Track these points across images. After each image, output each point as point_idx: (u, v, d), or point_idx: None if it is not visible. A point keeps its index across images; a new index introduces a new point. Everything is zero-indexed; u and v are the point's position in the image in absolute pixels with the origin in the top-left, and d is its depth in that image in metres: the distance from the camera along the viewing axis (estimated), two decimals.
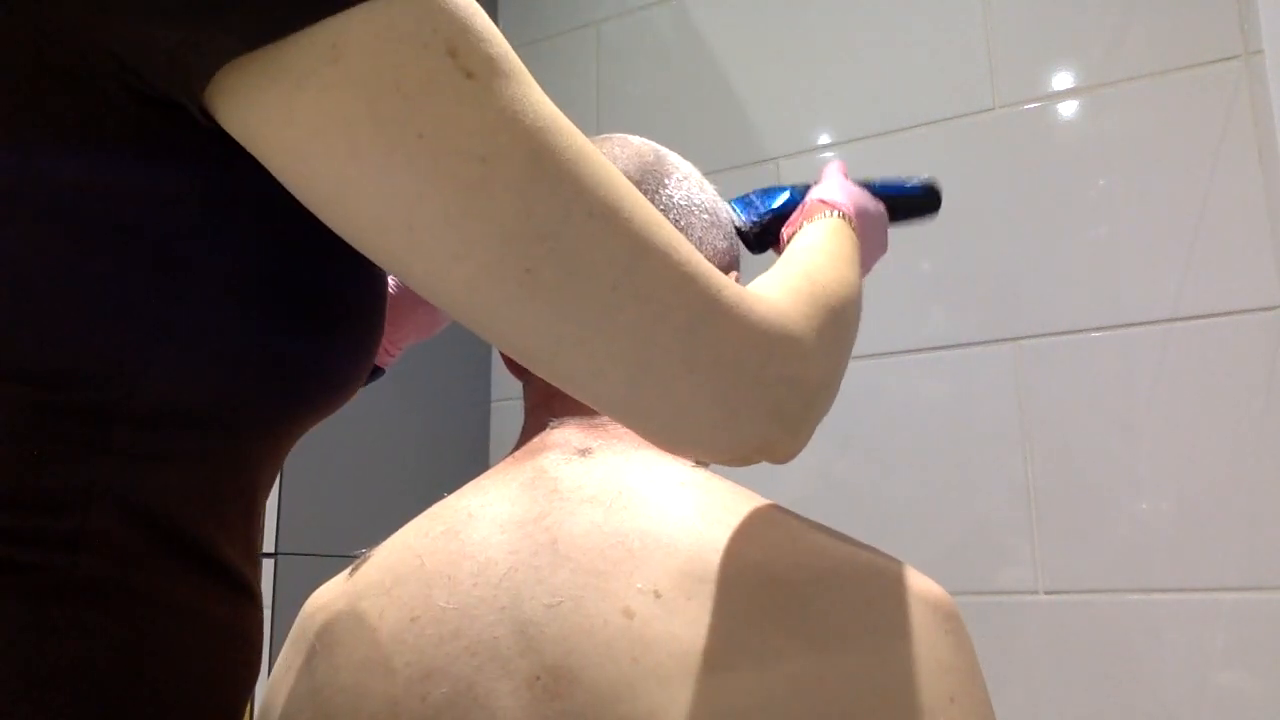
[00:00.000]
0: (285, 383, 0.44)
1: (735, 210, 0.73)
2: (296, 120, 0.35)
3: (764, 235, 0.72)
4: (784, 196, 0.73)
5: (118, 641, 0.38)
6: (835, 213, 0.66)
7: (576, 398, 0.43)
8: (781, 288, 0.49)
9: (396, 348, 0.76)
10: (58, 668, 0.36)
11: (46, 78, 0.36)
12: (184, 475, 0.41)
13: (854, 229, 0.65)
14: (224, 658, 0.43)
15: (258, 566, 0.47)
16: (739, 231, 0.71)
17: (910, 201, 0.81)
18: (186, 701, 0.41)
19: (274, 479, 0.50)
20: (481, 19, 0.37)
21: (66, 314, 0.37)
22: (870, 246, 0.73)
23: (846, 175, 0.76)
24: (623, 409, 0.43)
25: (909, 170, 1.41)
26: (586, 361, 0.40)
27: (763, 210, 0.73)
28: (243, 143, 0.37)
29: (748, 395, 0.44)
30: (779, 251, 0.68)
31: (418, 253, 0.37)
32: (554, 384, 0.42)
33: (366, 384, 0.75)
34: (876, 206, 0.75)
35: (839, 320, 0.52)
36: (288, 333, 0.42)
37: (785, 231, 0.68)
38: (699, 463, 0.59)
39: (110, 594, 0.38)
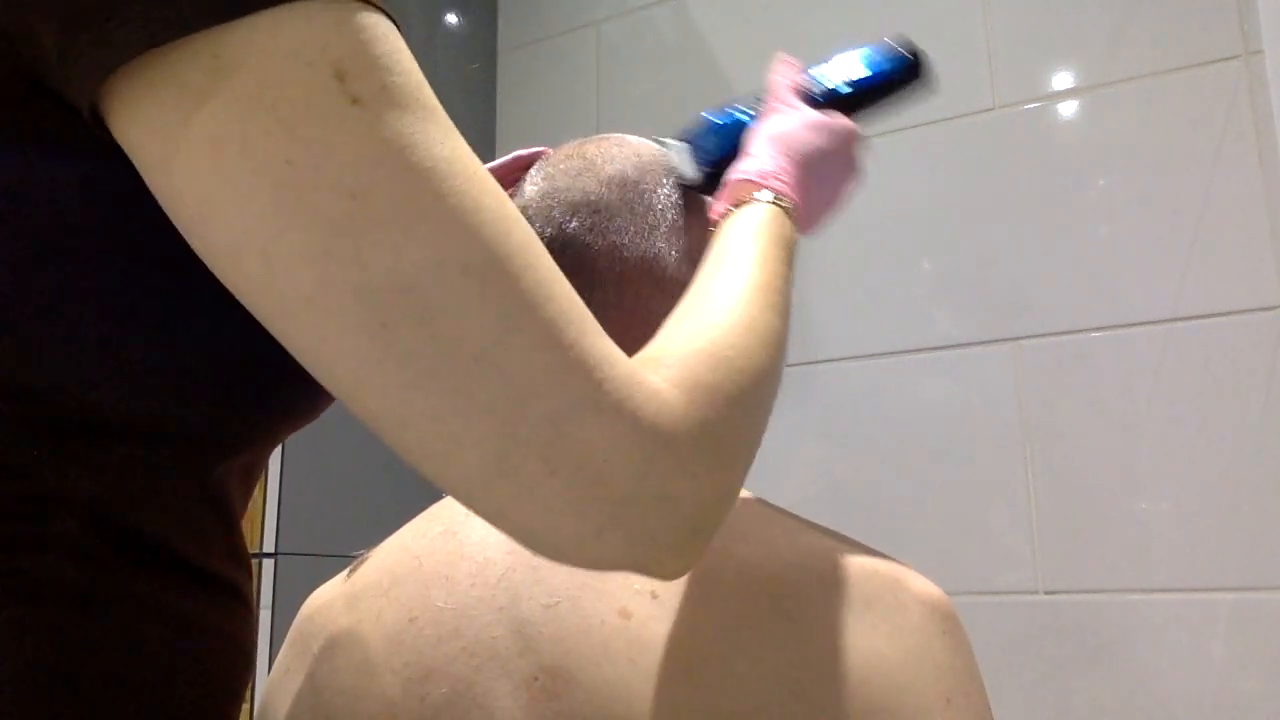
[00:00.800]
0: (254, 393, 0.43)
1: (685, 158, 0.63)
2: (168, 132, 0.33)
3: (713, 182, 0.61)
4: (733, 134, 0.63)
5: (87, 644, 0.38)
6: (768, 195, 0.55)
7: (428, 478, 0.38)
8: (680, 377, 0.41)
9: None
10: (26, 671, 0.36)
11: None
12: (150, 484, 0.40)
13: (790, 208, 0.55)
14: (207, 660, 0.43)
15: (243, 566, 0.46)
16: (686, 188, 0.62)
17: (887, 85, 0.68)
18: (168, 701, 0.40)
19: (255, 482, 0.49)
20: (388, 44, 0.35)
21: (16, 323, 0.36)
22: (826, 189, 0.62)
23: (797, 83, 0.66)
24: (476, 502, 0.38)
25: (921, 167, 1.38)
26: (437, 440, 0.35)
27: (712, 156, 0.62)
28: (129, 155, 0.35)
29: (613, 513, 0.37)
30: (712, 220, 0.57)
31: (269, 287, 0.34)
32: (403, 458, 0.38)
33: None
34: (832, 137, 0.62)
35: (745, 411, 0.43)
36: (255, 341, 0.41)
37: (714, 208, 0.57)
38: None
39: (78, 598, 0.38)
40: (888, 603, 0.50)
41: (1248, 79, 1.29)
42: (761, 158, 0.58)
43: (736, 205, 0.55)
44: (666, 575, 0.42)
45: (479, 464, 0.36)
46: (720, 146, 0.63)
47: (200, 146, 0.32)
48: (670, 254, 0.60)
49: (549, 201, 0.60)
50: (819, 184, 0.61)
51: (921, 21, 1.52)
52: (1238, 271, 1.27)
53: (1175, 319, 1.29)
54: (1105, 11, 1.39)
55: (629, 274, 0.59)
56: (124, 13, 0.32)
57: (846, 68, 0.68)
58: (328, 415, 0.76)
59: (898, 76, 0.68)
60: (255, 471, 0.49)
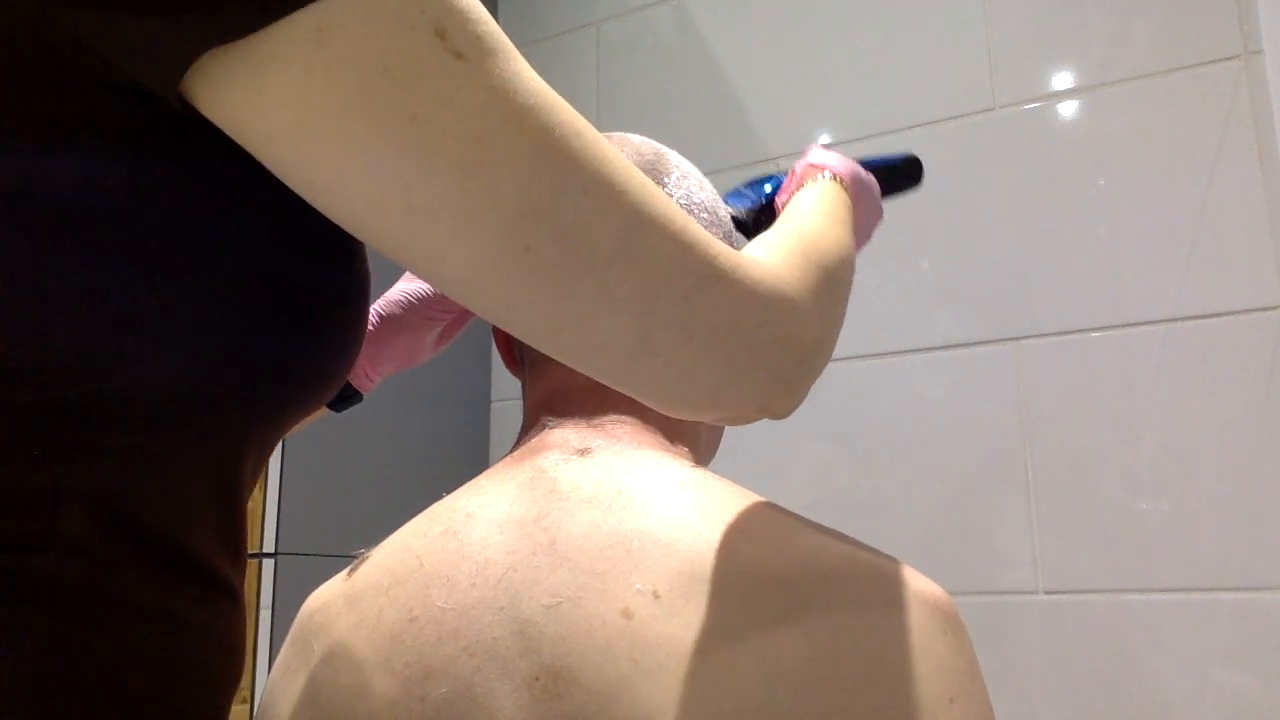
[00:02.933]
0: (262, 379, 0.43)
1: (730, 204, 0.73)
2: (285, 107, 0.34)
3: (760, 219, 0.73)
4: (770, 184, 0.76)
5: (89, 643, 0.37)
6: (826, 173, 0.67)
7: (580, 370, 0.44)
8: (776, 250, 0.50)
9: (377, 374, 0.75)
10: (26, 669, 0.36)
11: (15, 72, 0.35)
12: (157, 475, 0.40)
13: (846, 189, 0.67)
14: (202, 659, 0.43)
15: (240, 565, 0.46)
16: (737, 222, 0.72)
17: (893, 172, 0.87)
18: (162, 702, 0.40)
19: (258, 476, 0.49)
20: (472, 1, 0.37)
21: (29, 309, 0.36)
22: (864, 210, 0.74)
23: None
24: (625, 379, 0.44)
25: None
26: (588, 336, 0.41)
27: (755, 197, 0.75)
28: (229, 132, 0.36)
29: (746, 358, 0.45)
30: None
31: (416, 236, 0.37)
32: (556, 358, 0.43)
33: (342, 409, 0.75)
34: (866, 174, 0.77)
35: (832, 279, 0.53)
36: (264, 328, 0.42)
37: (780, 200, 0.69)
38: (697, 463, 0.59)
39: (81, 596, 0.37)
40: (890, 602, 0.50)
41: (1248, 79, 1.29)
42: (821, 156, 0.70)
43: (807, 180, 0.67)
44: (784, 411, 0.50)
45: (625, 349, 0.41)
46: (748, 200, 0.76)
47: (325, 117, 0.34)
48: None
49: None
50: (858, 203, 0.71)
51: (921, 21, 1.52)
52: (1238, 271, 1.27)
53: (1175, 319, 1.29)
54: (1105, 11, 1.39)
55: None
56: None
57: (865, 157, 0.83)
58: (328, 415, 0.76)
59: (901, 167, 0.90)
60: (260, 465, 0.49)
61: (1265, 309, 1.25)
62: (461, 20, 0.36)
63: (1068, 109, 1.40)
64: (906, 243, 1.47)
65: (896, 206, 1.50)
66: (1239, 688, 1.18)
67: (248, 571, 1.27)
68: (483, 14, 0.37)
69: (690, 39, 1.72)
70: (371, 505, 1.47)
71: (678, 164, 0.65)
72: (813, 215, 0.59)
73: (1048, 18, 1.43)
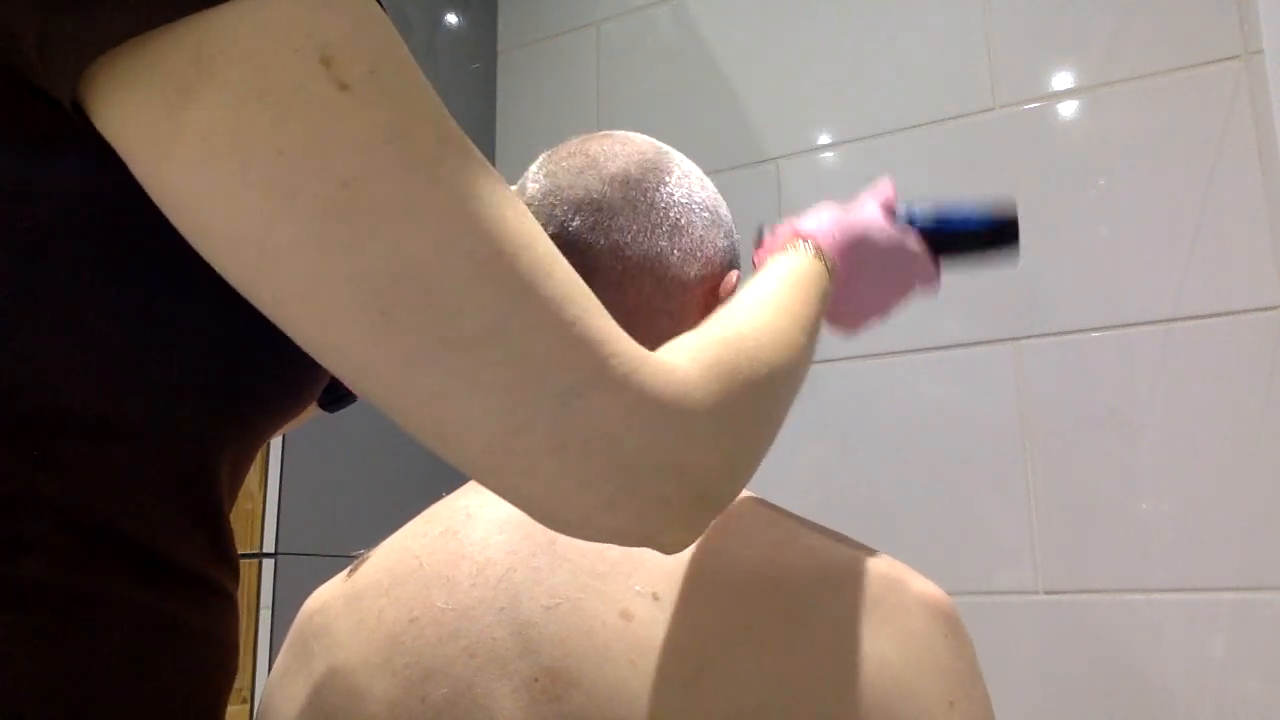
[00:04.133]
0: (224, 396, 0.42)
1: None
2: (154, 123, 0.32)
3: None
4: None
5: (65, 648, 0.37)
6: (807, 245, 0.58)
7: (442, 458, 0.39)
8: (696, 355, 0.42)
9: None
10: (4, 673, 0.35)
11: None
12: (127, 484, 0.39)
13: (830, 266, 0.58)
14: (189, 661, 0.42)
15: (230, 566, 0.45)
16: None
17: (970, 242, 0.69)
18: (151, 703, 0.40)
19: (240, 480, 0.48)
20: (374, 28, 0.34)
21: None
22: (873, 291, 0.65)
23: (887, 200, 0.67)
24: (486, 480, 0.38)
25: (921, 167, 1.39)
26: (443, 422, 0.36)
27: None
28: (113, 145, 0.34)
29: (626, 482, 0.38)
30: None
31: (267, 280, 0.33)
32: (417, 440, 0.38)
33: (336, 409, 0.73)
34: (896, 240, 0.65)
35: (758, 395, 0.45)
36: (233, 337, 0.40)
37: (756, 258, 0.60)
38: None
39: (55, 598, 0.37)
40: (890, 604, 0.50)
41: (1248, 79, 1.29)
42: (817, 221, 0.61)
43: (786, 247, 0.58)
44: (673, 546, 0.42)
45: (486, 443, 0.36)
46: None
47: (189, 138, 0.32)
48: (673, 252, 0.60)
49: (551, 199, 0.60)
50: (867, 281, 0.63)
51: (922, 21, 1.52)
52: (1238, 271, 1.27)
53: (1175, 319, 1.29)
54: (1105, 11, 1.39)
55: (631, 272, 0.59)
56: (105, 1, 0.31)
57: (943, 208, 0.69)
58: (327, 415, 0.76)
59: (983, 232, 0.68)
60: (242, 468, 0.48)
61: (1265, 309, 1.25)
62: (356, 48, 0.33)
63: (1068, 109, 1.40)
64: None
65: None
66: (1239, 688, 1.18)
67: (248, 571, 1.27)
68: (388, 44, 0.34)
69: (690, 39, 1.72)
70: (371, 505, 1.47)
71: (679, 163, 0.64)
72: (763, 306, 0.50)
73: (1048, 18, 1.43)
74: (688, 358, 0.42)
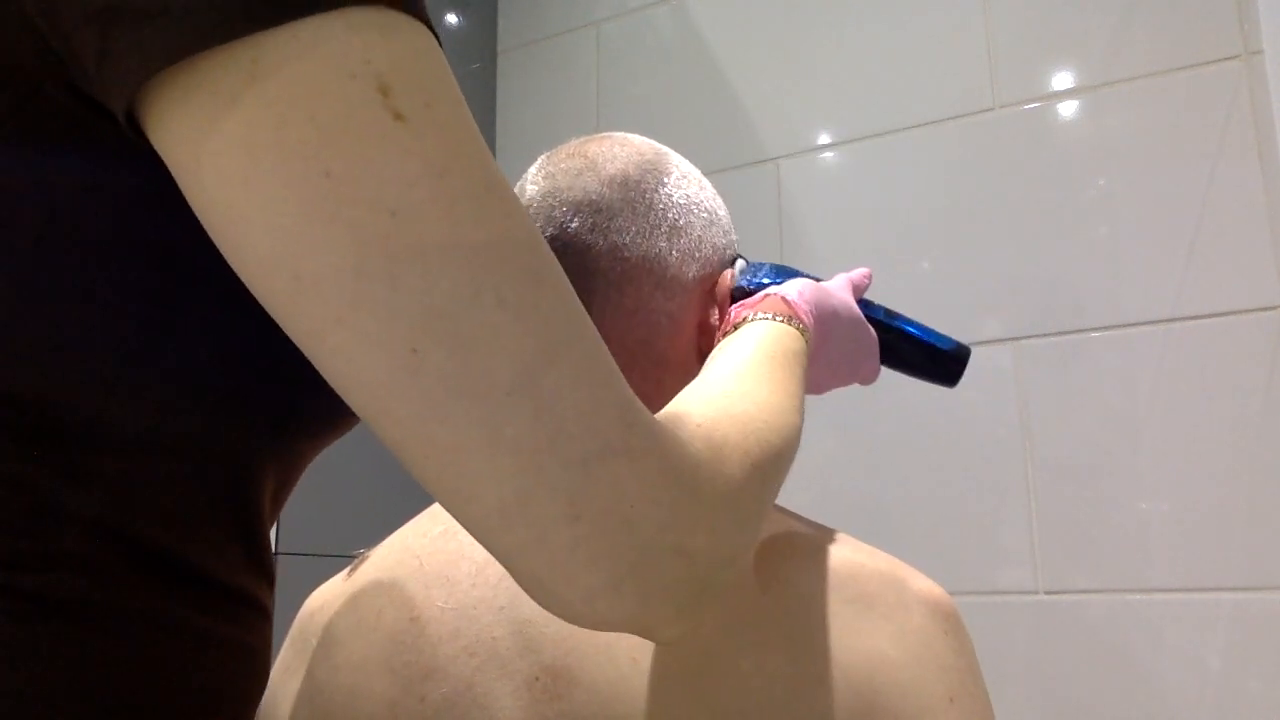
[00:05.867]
0: (273, 408, 0.42)
1: (743, 269, 0.65)
2: (204, 139, 0.32)
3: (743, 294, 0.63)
4: (783, 277, 0.65)
5: (102, 657, 0.37)
6: (793, 321, 0.56)
7: (448, 512, 0.37)
8: (708, 431, 0.41)
9: None
10: (40, 686, 0.35)
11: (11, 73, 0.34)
12: (165, 497, 0.39)
13: (808, 342, 0.57)
14: (221, 672, 0.42)
15: (264, 577, 0.46)
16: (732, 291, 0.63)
17: (921, 351, 0.71)
18: (182, 716, 0.40)
19: (287, 492, 0.48)
20: (433, 62, 0.34)
21: (27, 334, 0.36)
22: (827, 364, 0.64)
23: (858, 285, 0.68)
24: (490, 542, 0.36)
25: (921, 167, 1.39)
26: (459, 475, 0.34)
27: (763, 282, 0.63)
28: (164, 161, 0.34)
29: (636, 562, 0.36)
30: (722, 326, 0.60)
31: (299, 305, 0.32)
32: (425, 489, 0.36)
33: None
34: (857, 327, 0.66)
35: (764, 481, 0.44)
36: (274, 355, 0.40)
37: (734, 311, 0.59)
38: None
39: (91, 612, 0.37)
40: (890, 603, 0.50)
41: (1248, 79, 1.29)
42: (799, 293, 0.60)
43: (770, 313, 0.56)
44: (668, 637, 0.41)
45: (498, 504, 0.34)
46: (764, 280, 0.64)
47: (233, 153, 0.31)
48: (671, 253, 0.60)
49: (550, 201, 0.60)
50: (823, 357, 0.62)
51: (922, 21, 1.52)
52: (1238, 271, 1.27)
53: (1175, 319, 1.29)
54: (1105, 11, 1.39)
55: (630, 274, 0.59)
56: (164, 18, 0.31)
57: (899, 316, 0.72)
58: None
59: (937, 352, 0.72)
60: (289, 481, 0.48)
61: (1265, 309, 1.25)
62: (414, 80, 0.32)
63: (1068, 109, 1.40)
64: (906, 243, 1.47)
65: (896, 206, 1.50)
66: (1239, 688, 1.18)
67: None
68: (444, 80, 0.34)
69: (690, 39, 1.72)
70: (371, 505, 1.47)
71: (678, 164, 0.64)
72: (761, 383, 0.49)
73: (1048, 18, 1.43)
74: (702, 435, 0.40)
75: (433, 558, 0.54)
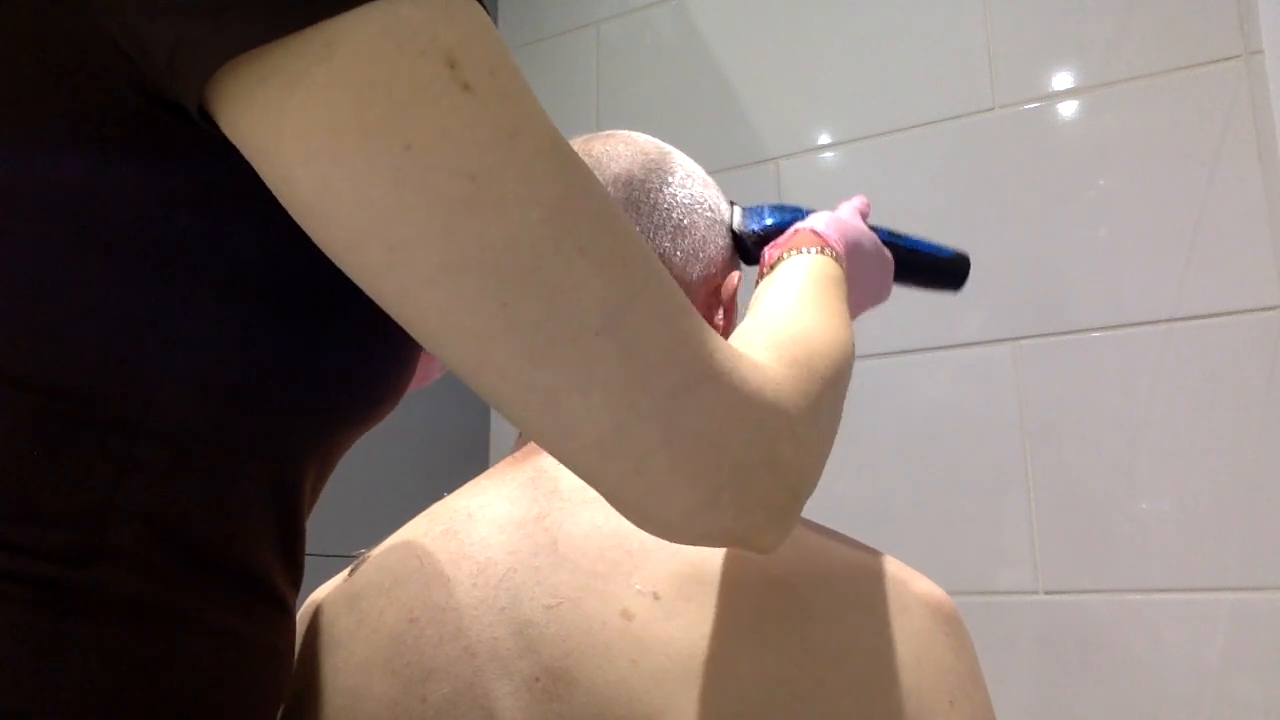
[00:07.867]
0: (317, 398, 0.42)
1: (743, 216, 0.69)
2: (283, 121, 0.33)
3: (759, 246, 0.68)
4: (793, 216, 0.69)
5: (139, 655, 0.37)
6: (827, 250, 0.60)
7: (548, 453, 0.39)
8: (775, 353, 0.44)
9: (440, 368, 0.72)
10: (77, 681, 0.35)
11: (49, 74, 0.35)
12: (210, 491, 0.40)
13: (843, 269, 0.60)
14: (255, 672, 0.42)
15: (296, 576, 0.46)
16: (735, 235, 0.68)
17: (928, 262, 0.76)
18: (214, 715, 0.40)
19: (321, 486, 0.48)
20: (490, 34, 0.36)
21: (75, 323, 0.36)
22: (859, 288, 0.67)
23: (862, 212, 0.71)
24: (591, 474, 0.39)
25: (921, 167, 1.40)
26: (557, 415, 0.36)
27: (766, 223, 0.68)
28: (238, 147, 0.35)
29: (730, 479, 0.39)
30: (756, 267, 0.64)
31: (392, 271, 0.34)
32: (524, 433, 0.39)
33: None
34: (878, 249, 0.70)
35: (835, 393, 0.47)
36: (317, 344, 0.41)
37: (768, 252, 0.62)
38: None
39: (132, 608, 0.37)
40: (891, 604, 0.50)
41: (1248, 79, 1.29)
42: (828, 224, 0.64)
43: (804, 247, 0.60)
44: (768, 547, 0.43)
45: (596, 439, 0.37)
46: (769, 221, 0.68)
47: (316, 134, 0.33)
48: (675, 253, 0.60)
49: None
50: (857, 278, 0.65)
51: (922, 21, 1.52)
52: (1238, 271, 1.27)
53: (1175, 319, 1.29)
54: (1105, 11, 1.39)
55: None
56: (238, 7, 0.32)
57: (907, 234, 0.77)
58: None
59: (940, 261, 0.77)
60: (324, 476, 0.48)
61: (1265, 309, 1.25)
62: (476, 51, 0.34)
63: (1068, 109, 1.40)
64: None
65: (897, 206, 1.50)
66: (1238, 688, 1.18)
67: None
68: (502, 50, 0.36)
69: (690, 39, 1.72)
70: (371, 505, 1.47)
71: (682, 163, 0.64)
72: (813, 307, 0.52)
73: (1048, 18, 1.43)
74: (774, 357, 0.44)
75: (433, 558, 0.54)
